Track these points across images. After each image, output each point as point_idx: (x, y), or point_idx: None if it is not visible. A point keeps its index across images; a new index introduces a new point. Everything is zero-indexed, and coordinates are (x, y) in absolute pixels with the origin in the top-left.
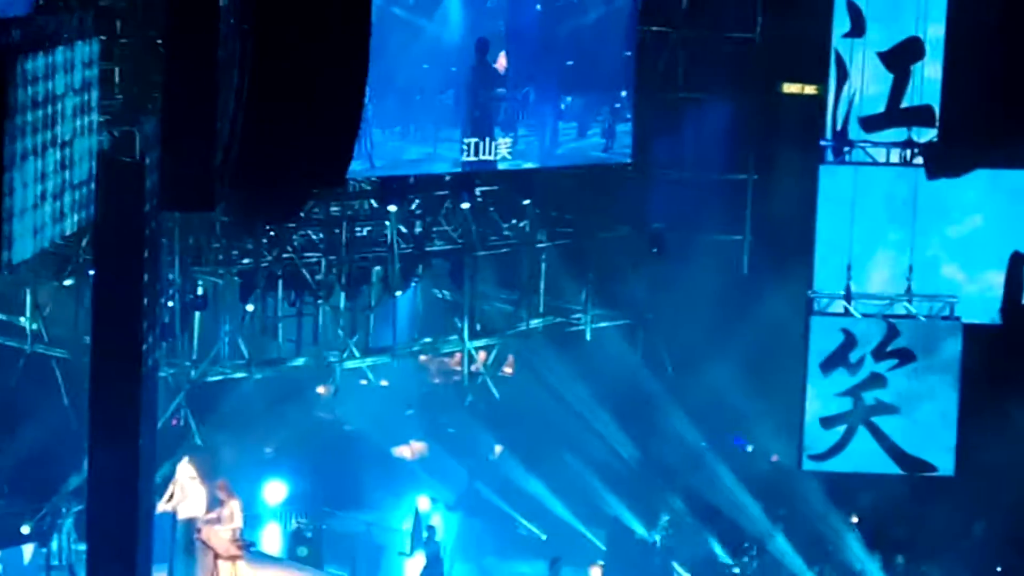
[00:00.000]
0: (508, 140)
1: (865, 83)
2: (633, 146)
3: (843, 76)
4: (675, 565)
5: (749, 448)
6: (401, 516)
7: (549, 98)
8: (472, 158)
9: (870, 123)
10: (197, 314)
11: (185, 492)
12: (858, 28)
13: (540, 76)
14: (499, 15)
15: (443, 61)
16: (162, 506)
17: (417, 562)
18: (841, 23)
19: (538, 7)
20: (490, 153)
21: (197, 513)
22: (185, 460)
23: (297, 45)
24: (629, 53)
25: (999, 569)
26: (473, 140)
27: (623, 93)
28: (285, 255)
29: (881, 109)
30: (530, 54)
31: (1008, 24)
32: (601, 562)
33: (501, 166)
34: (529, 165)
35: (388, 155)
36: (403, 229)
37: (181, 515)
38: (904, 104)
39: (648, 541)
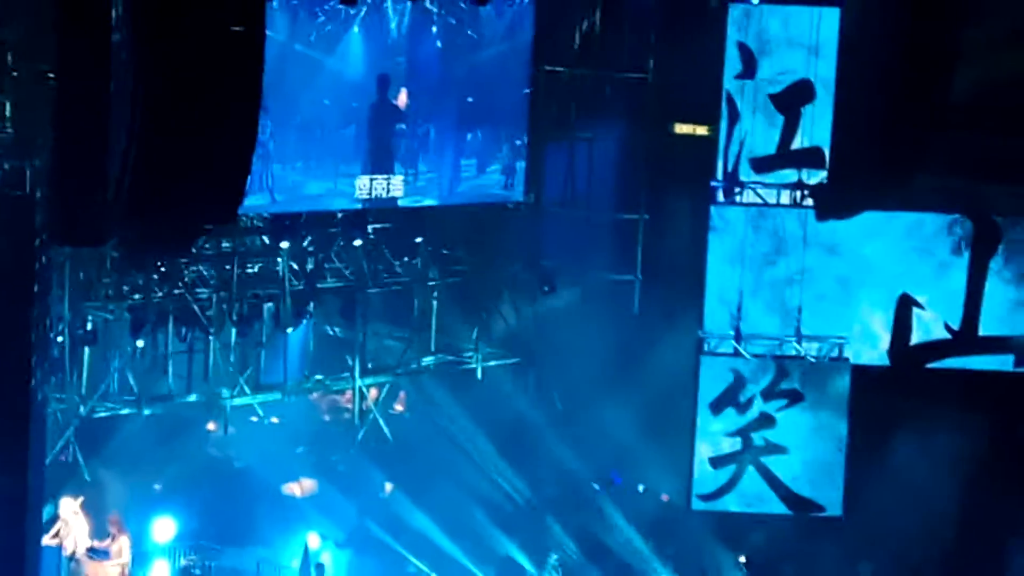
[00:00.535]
0: (400, 178)
1: (756, 124)
2: (526, 184)
3: (734, 117)
4: None
5: (641, 488)
6: (291, 553)
7: (449, 135)
8: (366, 195)
9: (761, 164)
10: (87, 349)
11: (70, 527)
12: (749, 70)
13: (440, 113)
14: (400, 51)
15: (344, 97)
16: (48, 540)
17: None
18: (732, 64)
19: (438, 44)
20: (386, 191)
21: (82, 547)
22: (69, 496)
23: (190, 81)
24: (528, 91)
25: None
26: (369, 178)
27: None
28: (176, 291)
29: (771, 150)
30: (431, 90)
31: (897, 67)
32: None
33: (401, 203)
34: (430, 202)
35: (288, 190)
36: (295, 266)
37: (67, 550)
38: (794, 146)
39: None
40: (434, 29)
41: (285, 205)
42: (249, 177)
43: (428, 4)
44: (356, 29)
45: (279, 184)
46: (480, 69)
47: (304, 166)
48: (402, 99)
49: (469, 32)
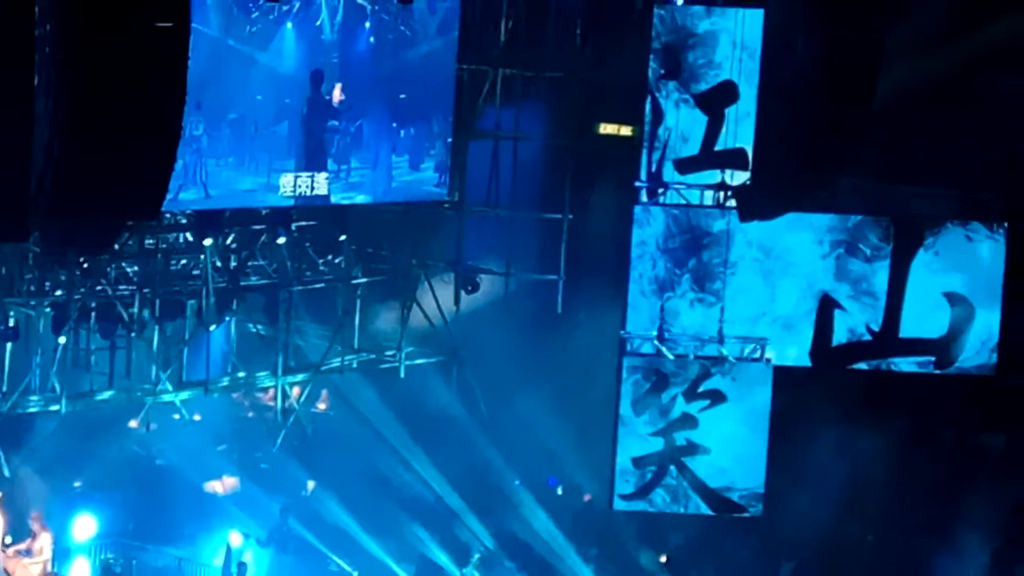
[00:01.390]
0: (324, 176)
1: (680, 125)
2: (450, 183)
3: (658, 118)
4: None
5: (560, 490)
6: (212, 551)
7: (383, 131)
8: (290, 193)
9: (684, 165)
10: (8, 345)
11: None
12: (674, 70)
13: (373, 109)
14: (333, 47)
15: (277, 93)
16: None
17: None
18: (657, 65)
19: (371, 39)
20: (310, 188)
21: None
22: None
23: (113, 76)
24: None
25: None
26: (293, 175)
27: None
28: (99, 287)
29: (695, 151)
30: (363, 87)
31: (820, 70)
32: None
33: (335, 200)
34: (363, 198)
35: (222, 185)
36: (218, 263)
37: None
38: (718, 147)
39: None
40: (367, 25)
41: (219, 201)
42: (183, 172)
43: (361, 0)
44: (289, 25)
45: (213, 180)
46: (413, 65)
47: (237, 162)
48: (336, 95)
49: (402, 28)
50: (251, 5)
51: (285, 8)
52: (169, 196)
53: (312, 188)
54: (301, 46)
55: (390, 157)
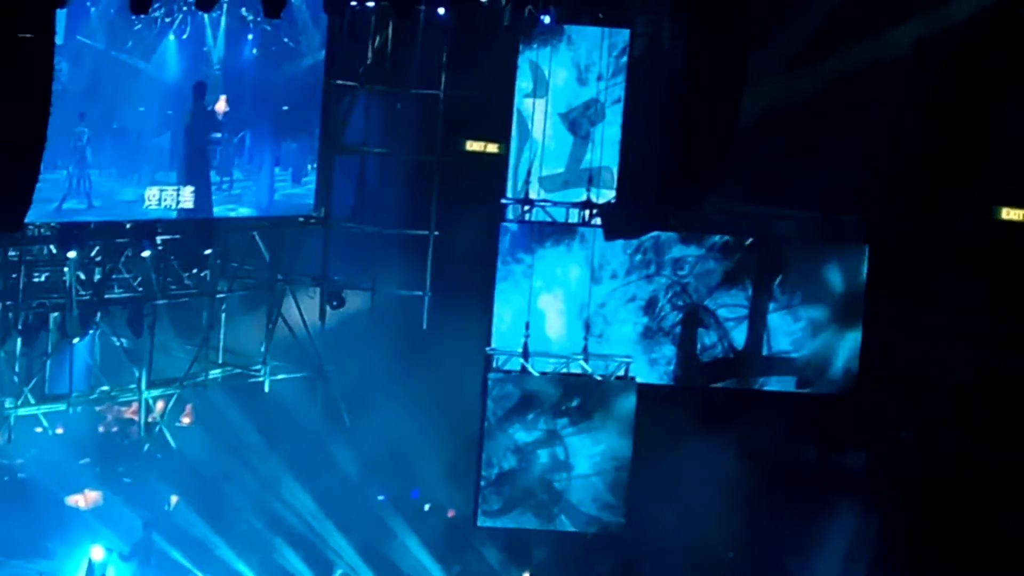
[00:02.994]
0: (190, 189)
1: (546, 143)
2: (316, 198)
3: (525, 136)
4: None
5: (427, 507)
6: (74, 566)
7: (265, 143)
8: (155, 205)
9: (550, 183)
10: None
11: None
12: (540, 89)
13: (257, 121)
14: (216, 59)
15: (161, 104)
16: None
17: None
18: (524, 83)
19: (254, 51)
20: (176, 202)
21: None
22: None
23: None
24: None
25: None
26: (159, 188)
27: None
28: None
29: (561, 169)
30: (247, 98)
31: (685, 90)
32: None
33: (217, 212)
34: (245, 211)
35: (105, 196)
36: (82, 276)
37: None
38: (584, 165)
39: None
40: (250, 37)
41: (101, 212)
42: (66, 183)
43: (244, 12)
44: (171, 37)
45: (96, 190)
46: (297, 77)
47: (119, 172)
48: (220, 106)
49: (286, 40)
50: (133, 17)
51: (168, 20)
52: (53, 206)
53: (178, 202)
54: (184, 57)
55: (273, 170)
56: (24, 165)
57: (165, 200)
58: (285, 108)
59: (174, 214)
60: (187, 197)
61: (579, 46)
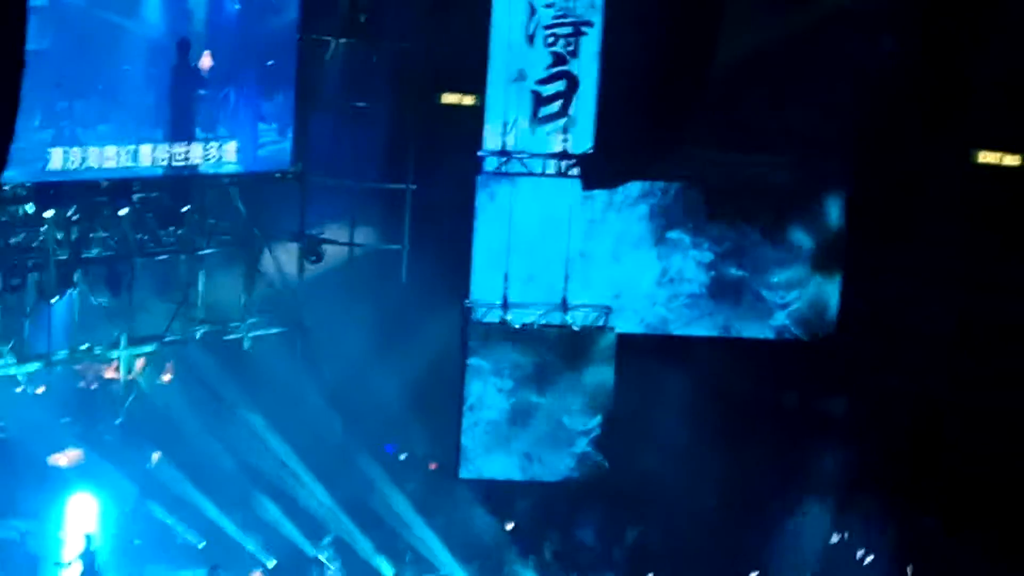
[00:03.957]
0: (202, 143)
1: (523, 94)
2: (293, 153)
3: (501, 87)
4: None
5: (402, 456)
6: (57, 524)
7: (250, 99)
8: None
9: (527, 134)
10: None
11: None
12: (517, 39)
13: (241, 76)
14: (199, 13)
15: (145, 61)
16: None
17: (73, 571)
18: (500, 34)
19: (237, 6)
20: (188, 158)
21: None
22: None
23: None
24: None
25: (651, 574)
26: (169, 145)
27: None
28: None
29: (538, 120)
30: (230, 54)
31: (664, 37)
32: (259, 570)
33: (203, 169)
34: (231, 167)
35: (91, 156)
36: (59, 235)
37: None
38: (562, 116)
39: (309, 556)
40: None
41: (88, 172)
42: (52, 142)
43: None
44: None
45: (82, 150)
46: (281, 32)
47: (106, 131)
48: (205, 62)
49: None
50: None
51: None
52: (39, 166)
53: (187, 159)
54: (167, 13)
55: (257, 125)
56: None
57: (152, 157)
58: (270, 63)
59: (160, 171)
60: (174, 153)
61: None
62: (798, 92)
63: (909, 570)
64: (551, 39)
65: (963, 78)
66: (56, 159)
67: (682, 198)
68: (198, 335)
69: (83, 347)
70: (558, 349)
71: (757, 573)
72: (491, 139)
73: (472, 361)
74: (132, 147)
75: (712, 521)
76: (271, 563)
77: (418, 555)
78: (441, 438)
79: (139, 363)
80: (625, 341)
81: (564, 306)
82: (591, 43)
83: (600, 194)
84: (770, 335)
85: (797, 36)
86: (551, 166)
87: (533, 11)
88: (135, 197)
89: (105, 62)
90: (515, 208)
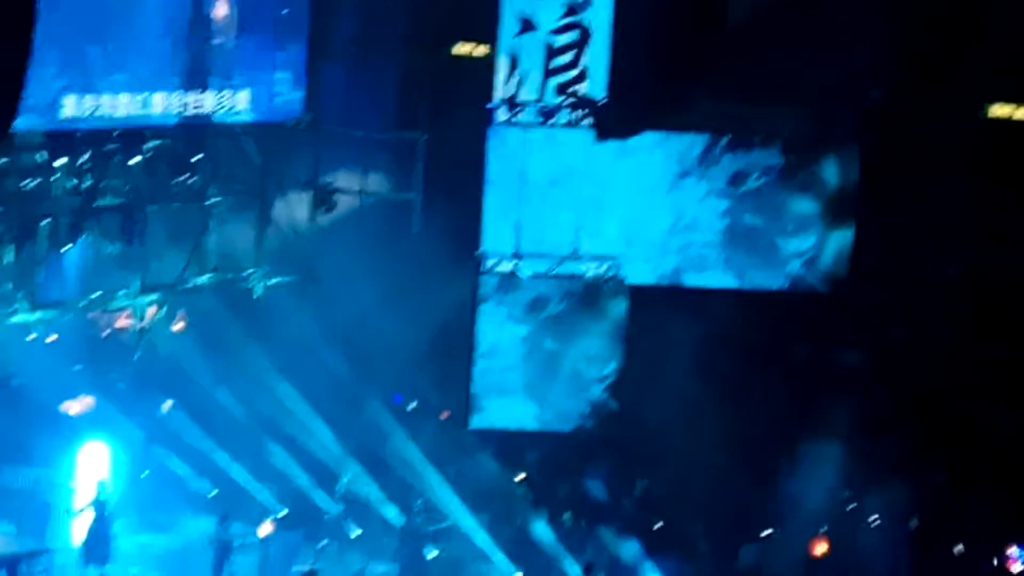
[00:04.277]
0: (216, 92)
1: (535, 45)
2: (305, 103)
3: (513, 38)
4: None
5: (411, 406)
6: (69, 472)
7: (264, 48)
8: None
9: (540, 84)
10: None
11: None
12: None
13: (255, 25)
14: None
15: (159, 10)
16: None
17: (86, 517)
18: None
19: None
20: (202, 106)
21: None
22: None
23: None
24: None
25: (661, 524)
26: (183, 93)
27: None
28: None
29: (551, 71)
30: (244, 3)
31: None
32: (272, 517)
33: (216, 118)
34: (245, 116)
35: (108, 104)
36: (72, 183)
37: None
38: (576, 67)
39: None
40: None
41: (103, 120)
42: (65, 90)
43: None
44: None
45: (98, 98)
46: None
47: (120, 79)
48: (219, 11)
49: None
50: None
51: None
52: (53, 114)
53: (200, 107)
54: None
55: (271, 74)
56: (8, 75)
57: (165, 105)
58: (284, 11)
59: (173, 119)
60: (188, 102)
61: None
62: (813, 44)
63: (912, 523)
64: None
65: (976, 31)
66: (69, 106)
67: (697, 147)
68: (210, 284)
69: (96, 295)
70: (569, 299)
71: (770, 531)
72: (503, 89)
73: (485, 307)
74: (145, 95)
75: (721, 473)
76: (282, 512)
77: (429, 504)
78: (452, 388)
79: (151, 311)
80: (637, 292)
81: (576, 256)
82: None
83: (612, 144)
84: (784, 284)
85: None
86: (563, 116)
87: None
88: (148, 146)
89: (120, 11)
90: (527, 158)
